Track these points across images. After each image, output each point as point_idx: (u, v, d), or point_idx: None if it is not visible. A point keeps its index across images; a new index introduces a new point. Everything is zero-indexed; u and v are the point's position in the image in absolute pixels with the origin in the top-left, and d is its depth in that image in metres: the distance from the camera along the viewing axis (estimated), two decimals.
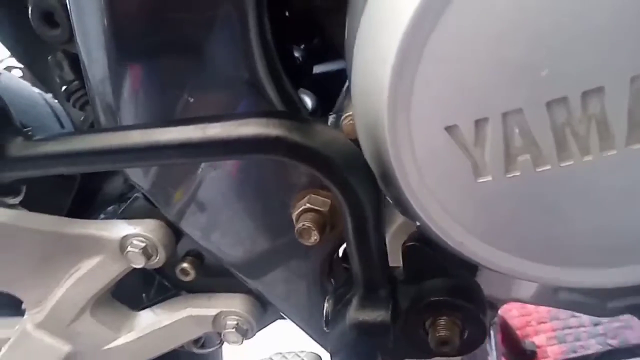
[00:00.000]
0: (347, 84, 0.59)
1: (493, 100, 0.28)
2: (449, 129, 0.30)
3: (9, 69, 0.84)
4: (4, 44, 0.65)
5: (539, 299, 0.49)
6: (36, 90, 0.72)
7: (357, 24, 0.34)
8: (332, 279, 0.51)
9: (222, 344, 0.60)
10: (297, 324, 0.55)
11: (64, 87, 0.56)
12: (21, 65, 0.74)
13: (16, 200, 0.54)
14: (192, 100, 0.43)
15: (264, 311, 0.57)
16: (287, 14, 0.53)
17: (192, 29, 0.40)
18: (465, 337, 0.40)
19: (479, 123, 0.29)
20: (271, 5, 0.42)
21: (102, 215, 0.60)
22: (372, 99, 0.32)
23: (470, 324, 0.40)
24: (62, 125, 0.69)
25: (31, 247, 0.52)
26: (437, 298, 0.41)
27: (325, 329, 0.44)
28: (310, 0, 0.49)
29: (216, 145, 0.32)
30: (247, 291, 0.57)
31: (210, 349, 0.62)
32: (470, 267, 0.44)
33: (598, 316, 0.50)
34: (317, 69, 0.67)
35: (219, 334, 0.58)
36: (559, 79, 0.27)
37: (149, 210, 0.53)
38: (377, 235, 0.35)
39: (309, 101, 0.66)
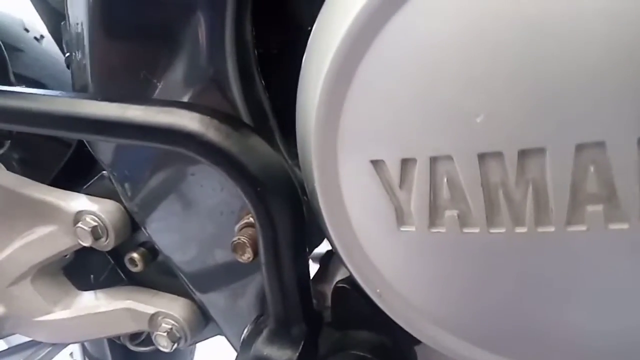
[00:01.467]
0: None
1: (421, 140, 0.25)
2: (375, 163, 0.27)
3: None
4: (37, 11, 0.68)
5: None
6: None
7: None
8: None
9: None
10: (230, 343, 0.51)
11: (67, 54, 0.56)
12: None
13: None
14: (160, 85, 0.41)
15: (203, 323, 0.54)
16: None
17: (170, 14, 0.39)
18: None
19: (406, 163, 0.26)
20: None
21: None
22: (305, 117, 0.29)
23: None
24: None
25: None
26: (359, 353, 0.36)
27: (237, 354, 0.40)
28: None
29: (131, 128, 0.30)
30: (192, 299, 0.54)
31: (147, 349, 0.59)
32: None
33: None
34: None
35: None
36: (495, 130, 0.23)
37: (112, 192, 0.52)
38: (293, 263, 0.32)
39: None
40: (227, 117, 0.30)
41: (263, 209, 0.29)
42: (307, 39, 0.32)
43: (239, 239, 0.41)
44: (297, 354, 0.34)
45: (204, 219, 0.46)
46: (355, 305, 0.37)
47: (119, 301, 0.54)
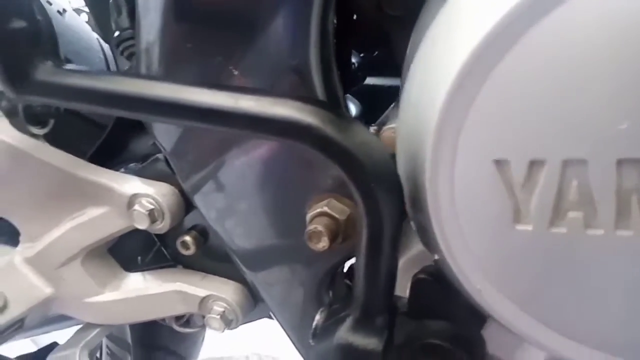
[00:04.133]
0: (397, 99, 0.57)
1: (556, 143, 0.25)
2: (498, 162, 0.27)
3: (77, 11, 0.85)
4: None
5: None
6: (95, 35, 0.72)
7: (421, 37, 0.31)
8: (330, 292, 0.48)
9: (205, 328, 0.58)
10: (283, 328, 0.52)
11: (116, 33, 0.55)
12: (87, 10, 0.75)
13: (41, 131, 0.53)
14: (235, 72, 0.41)
15: (253, 306, 0.55)
16: (355, 17, 0.51)
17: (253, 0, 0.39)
18: None
19: (534, 164, 0.26)
20: (341, 5, 0.40)
21: (122, 170, 0.59)
22: (423, 113, 0.29)
23: None
24: None
25: (42, 181, 0.50)
26: (437, 342, 0.37)
27: (310, 341, 0.41)
28: (381, 9, 0.47)
29: (246, 119, 0.29)
30: (242, 282, 0.54)
31: (191, 330, 0.60)
32: (479, 317, 0.41)
33: None
34: (370, 80, 0.66)
35: (203, 316, 0.56)
36: (638, 137, 0.24)
37: (165, 175, 0.52)
38: (390, 257, 0.32)
39: (353, 109, 0.64)
40: (338, 110, 0.30)
41: (374, 203, 0.30)
42: None
43: (315, 227, 0.41)
44: (384, 343, 0.35)
45: (268, 204, 0.46)
46: (434, 297, 0.38)
47: (168, 283, 0.54)
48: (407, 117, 0.31)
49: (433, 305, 0.38)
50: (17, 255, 0.53)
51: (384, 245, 0.31)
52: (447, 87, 0.27)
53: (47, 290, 0.53)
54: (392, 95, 0.61)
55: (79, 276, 0.53)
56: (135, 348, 0.85)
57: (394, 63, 0.58)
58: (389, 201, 0.30)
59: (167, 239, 0.58)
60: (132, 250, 0.59)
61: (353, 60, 0.62)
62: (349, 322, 0.37)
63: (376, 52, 0.64)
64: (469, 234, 0.30)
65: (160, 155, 0.54)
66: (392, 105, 0.56)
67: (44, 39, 0.34)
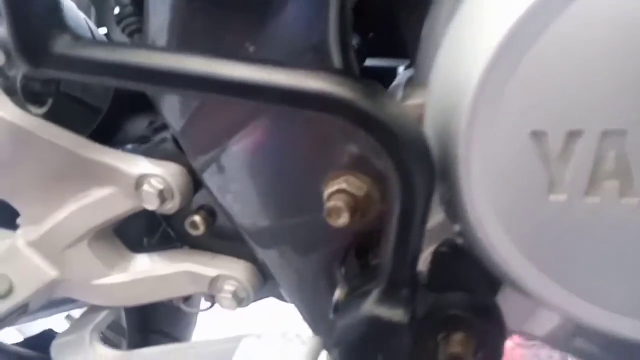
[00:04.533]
0: (403, 75, 0.57)
1: (596, 114, 0.26)
2: (535, 134, 0.28)
3: None
4: None
5: (551, 340, 0.47)
6: (82, 15, 0.70)
7: (446, 14, 0.32)
8: (342, 270, 0.48)
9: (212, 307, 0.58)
10: (295, 305, 0.53)
11: (117, 10, 0.53)
12: None
13: (39, 110, 0.51)
14: (252, 49, 0.40)
15: (263, 284, 0.55)
16: None
17: None
18: (477, 357, 0.38)
19: (572, 135, 0.27)
20: None
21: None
22: (458, 86, 0.30)
23: (486, 345, 0.38)
24: None
25: (45, 161, 0.49)
26: (458, 313, 0.38)
27: (331, 316, 0.42)
28: None
29: (279, 92, 0.29)
30: (251, 260, 0.54)
31: (197, 311, 0.60)
32: (494, 287, 0.42)
33: None
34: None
35: (212, 296, 0.56)
36: None
37: (174, 154, 0.51)
38: (420, 229, 0.33)
39: None
40: (371, 84, 0.30)
41: (410, 176, 0.30)
42: None
43: (334, 204, 0.41)
44: (410, 314, 0.36)
45: (283, 182, 0.46)
46: (454, 269, 0.39)
47: (177, 264, 0.54)
48: (439, 92, 0.32)
49: (453, 277, 0.39)
50: (19, 239, 0.52)
51: (416, 218, 0.32)
52: (485, 60, 0.27)
53: (52, 273, 0.52)
54: (389, 76, 0.61)
55: (85, 258, 0.52)
56: (131, 332, 0.84)
57: (392, 44, 0.58)
58: (423, 174, 0.30)
59: (173, 220, 0.57)
60: (138, 232, 0.58)
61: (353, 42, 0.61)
62: (374, 294, 0.37)
63: (372, 34, 0.64)
64: (500, 204, 0.30)
65: (167, 135, 0.53)
66: (392, 84, 0.56)
67: (60, 11, 0.32)
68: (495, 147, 0.29)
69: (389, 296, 0.37)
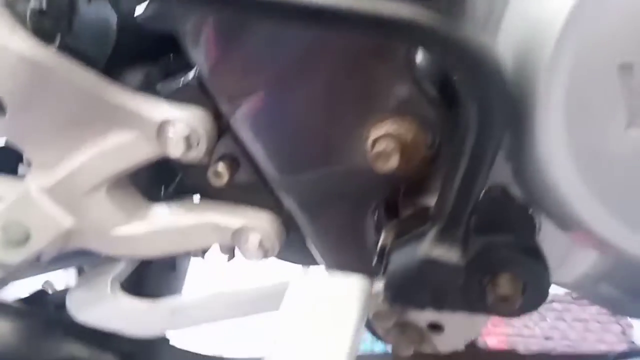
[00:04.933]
0: None
1: None
2: (621, 66, 0.28)
3: None
4: None
5: (577, 287, 0.49)
6: None
7: None
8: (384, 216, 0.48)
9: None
10: (323, 257, 0.52)
11: None
12: None
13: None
14: None
15: (286, 237, 0.54)
16: None
17: None
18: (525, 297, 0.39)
19: None
20: None
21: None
22: (540, 19, 0.29)
23: (533, 285, 0.39)
24: None
25: (61, 101, 0.46)
26: (506, 253, 0.39)
27: (376, 262, 0.41)
28: None
29: (361, 20, 0.28)
30: (274, 211, 0.53)
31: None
32: (533, 229, 0.43)
33: (631, 317, 0.50)
34: None
35: (231, 248, 0.55)
36: None
37: (199, 98, 0.48)
38: (489, 166, 0.33)
39: None
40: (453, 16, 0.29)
41: (489, 111, 0.30)
42: None
43: (383, 148, 0.40)
44: (468, 256, 0.36)
45: (322, 126, 0.45)
46: (501, 212, 0.39)
47: (199, 214, 0.52)
48: (516, 27, 0.31)
49: (498, 220, 0.40)
50: (32, 185, 0.48)
51: (489, 154, 0.32)
52: None
53: (67, 221, 0.49)
54: None
55: (104, 206, 0.49)
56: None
57: None
58: (502, 107, 0.30)
59: (191, 170, 0.55)
60: (154, 181, 0.56)
61: None
62: (431, 235, 0.37)
63: None
64: (576, 141, 0.31)
65: (190, 80, 0.50)
66: None
67: None
68: (579, 81, 0.29)
69: (446, 236, 0.37)
